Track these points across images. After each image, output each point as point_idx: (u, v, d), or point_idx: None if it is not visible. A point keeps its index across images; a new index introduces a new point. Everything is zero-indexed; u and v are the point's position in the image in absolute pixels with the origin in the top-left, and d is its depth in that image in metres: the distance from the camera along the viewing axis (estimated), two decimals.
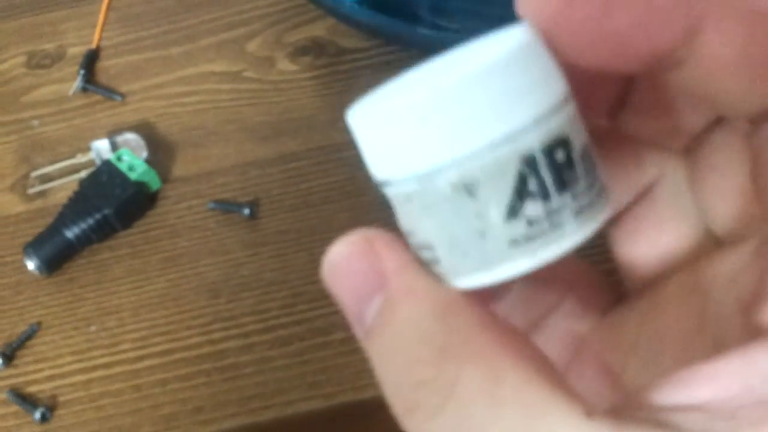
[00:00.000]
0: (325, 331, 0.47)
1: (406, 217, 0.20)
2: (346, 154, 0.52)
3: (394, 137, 0.19)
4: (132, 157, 0.51)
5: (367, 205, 0.50)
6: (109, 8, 0.60)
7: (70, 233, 0.49)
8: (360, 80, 0.55)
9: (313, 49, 0.56)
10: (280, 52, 0.57)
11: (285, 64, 0.56)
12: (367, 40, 0.56)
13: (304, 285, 0.48)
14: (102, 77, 0.57)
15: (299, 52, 0.56)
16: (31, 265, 0.49)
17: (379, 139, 0.20)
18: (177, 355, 0.47)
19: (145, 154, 0.53)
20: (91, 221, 0.49)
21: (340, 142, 0.52)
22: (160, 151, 0.53)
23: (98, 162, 0.52)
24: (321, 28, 0.57)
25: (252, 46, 0.57)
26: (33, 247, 0.49)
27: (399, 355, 0.19)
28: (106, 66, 0.58)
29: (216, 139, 0.54)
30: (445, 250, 0.20)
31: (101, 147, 0.52)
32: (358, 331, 0.21)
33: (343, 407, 0.45)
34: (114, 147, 0.53)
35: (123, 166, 0.50)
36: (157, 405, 0.46)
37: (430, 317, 0.19)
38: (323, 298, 0.47)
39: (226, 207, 0.50)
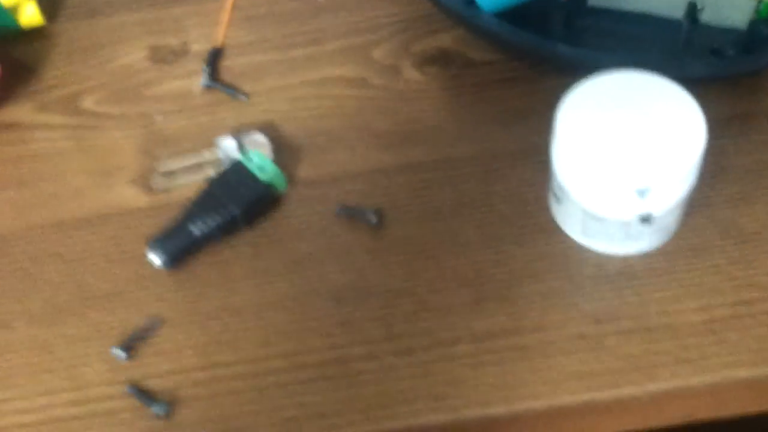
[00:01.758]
0: (449, 343, 0.46)
1: None
2: (472, 169, 0.51)
3: None
4: (262, 158, 0.50)
5: (494, 220, 0.49)
6: (233, 7, 0.60)
7: (197, 230, 0.49)
8: (486, 93, 0.54)
9: (441, 59, 0.56)
10: (407, 60, 0.56)
11: (411, 73, 0.56)
12: (494, 52, 0.56)
13: (429, 294, 0.47)
14: (226, 76, 0.57)
15: (426, 61, 0.56)
16: (156, 259, 0.49)
17: None
18: (299, 359, 0.47)
19: (270, 155, 0.52)
20: (218, 219, 0.49)
21: (466, 155, 0.52)
22: (284, 152, 0.53)
23: (224, 160, 0.52)
24: (449, 39, 0.57)
25: (378, 53, 0.57)
26: (159, 241, 0.49)
27: None
28: (229, 65, 0.58)
29: (341, 145, 0.53)
30: None
31: (228, 145, 0.52)
32: None
33: (469, 422, 0.44)
34: (241, 146, 0.53)
35: (253, 167, 0.50)
36: (277, 407, 0.45)
37: None
38: (448, 309, 0.47)
39: (353, 213, 0.50)
